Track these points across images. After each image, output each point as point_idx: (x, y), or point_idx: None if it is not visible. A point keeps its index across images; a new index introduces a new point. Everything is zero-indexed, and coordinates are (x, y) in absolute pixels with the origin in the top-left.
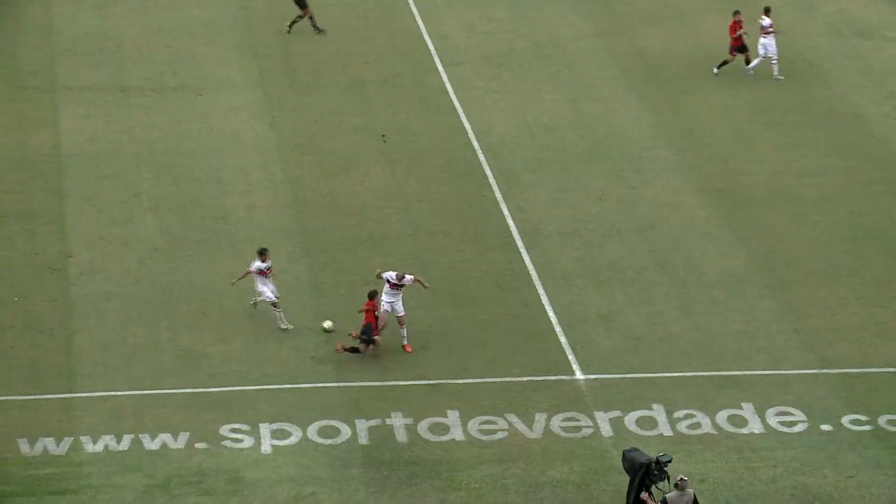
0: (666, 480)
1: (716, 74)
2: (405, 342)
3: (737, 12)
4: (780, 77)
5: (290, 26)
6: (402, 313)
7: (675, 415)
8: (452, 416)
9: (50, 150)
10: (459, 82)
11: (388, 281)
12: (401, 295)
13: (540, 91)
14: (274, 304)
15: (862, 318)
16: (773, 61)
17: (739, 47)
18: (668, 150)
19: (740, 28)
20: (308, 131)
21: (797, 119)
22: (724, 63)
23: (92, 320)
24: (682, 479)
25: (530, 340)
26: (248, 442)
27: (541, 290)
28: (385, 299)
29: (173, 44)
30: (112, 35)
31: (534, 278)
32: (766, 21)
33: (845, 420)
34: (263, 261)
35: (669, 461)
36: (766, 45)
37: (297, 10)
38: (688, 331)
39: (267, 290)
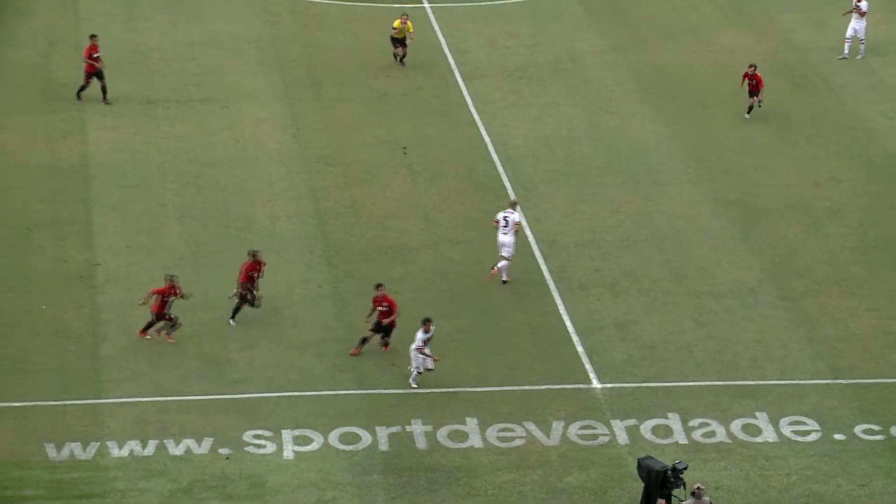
0: (682, 487)
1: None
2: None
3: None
4: (861, 56)
5: (402, 61)
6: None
7: (690, 423)
8: (471, 424)
9: (78, 160)
10: (479, 95)
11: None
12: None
13: (558, 105)
14: (420, 373)
15: (874, 329)
16: (862, 41)
17: (752, 91)
18: (682, 163)
19: (746, 77)
20: (331, 143)
21: (810, 132)
22: (750, 108)
23: (118, 327)
24: (698, 487)
25: (548, 349)
26: (270, 448)
27: (558, 300)
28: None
29: (200, 57)
30: (141, 48)
31: (551, 288)
32: (864, 4)
33: (858, 429)
34: (426, 331)
35: (685, 468)
36: (857, 28)
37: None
38: (702, 340)
39: (420, 363)
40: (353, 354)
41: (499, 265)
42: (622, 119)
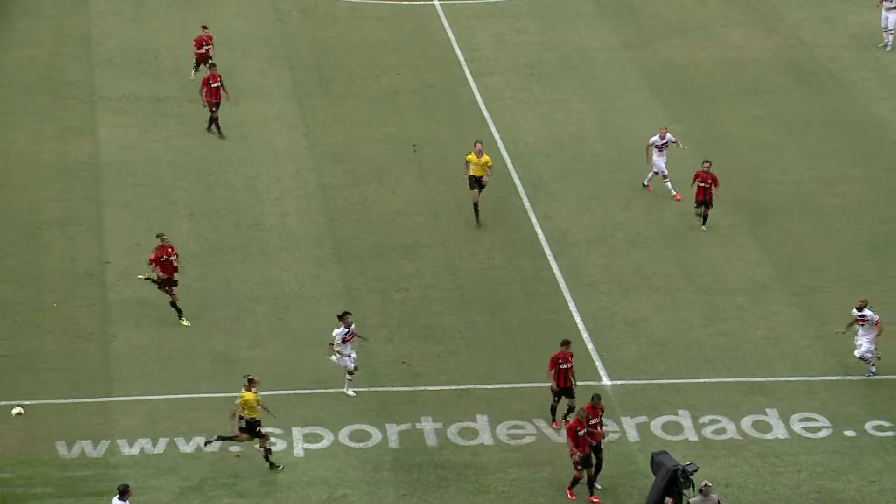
0: (691, 488)
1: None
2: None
3: (705, 161)
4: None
5: (478, 212)
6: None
7: (701, 420)
8: (481, 421)
9: (88, 159)
10: (489, 93)
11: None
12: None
13: (568, 101)
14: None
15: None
16: (891, 32)
17: (702, 202)
18: (692, 160)
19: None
20: (341, 140)
21: (820, 129)
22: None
23: (128, 325)
24: (706, 484)
25: (558, 346)
26: (281, 445)
27: (568, 297)
28: None
29: (210, 55)
30: (150, 47)
31: (561, 285)
32: None
33: (868, 426)
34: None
35: (696, 471)
36: (888, 18)
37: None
38: (712, 337)
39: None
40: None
41: (670, 190)
42: (632, 116)
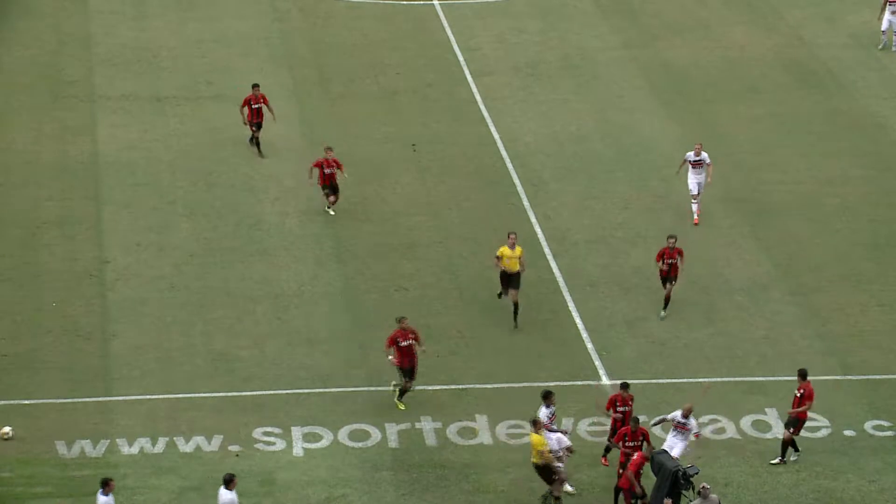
0: (691, 490)
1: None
2: None
3: None
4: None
5: (516, 316)
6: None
7: (700, 420)
8: (481, 421)
9: (88, 158)
10: (488, 92)
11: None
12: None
13: (568, 101)
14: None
15: (884, 324)
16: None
17: (666, 278)
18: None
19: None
20: (340, 140)
21: (820, 129)
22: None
23: (128, 325)
24: (704, 486)
25: (557, 346)
26: (280, 445)
27: (568, 297)
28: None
29: (209, 54)
30: (150, 46)
31: (561, 285)
32: None
33: (868, 425)
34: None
35: (696, 474)
36: (892, 21)
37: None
38: (712, 337)
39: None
40: None
41: (694, 213)
42: (631, 115)
